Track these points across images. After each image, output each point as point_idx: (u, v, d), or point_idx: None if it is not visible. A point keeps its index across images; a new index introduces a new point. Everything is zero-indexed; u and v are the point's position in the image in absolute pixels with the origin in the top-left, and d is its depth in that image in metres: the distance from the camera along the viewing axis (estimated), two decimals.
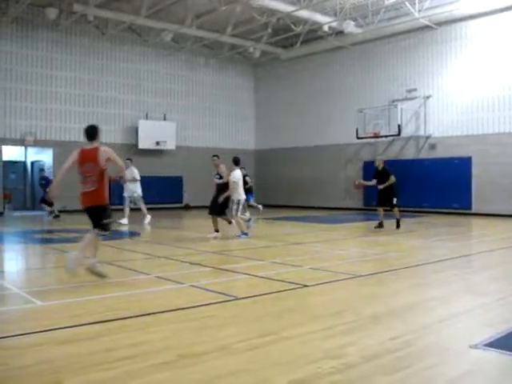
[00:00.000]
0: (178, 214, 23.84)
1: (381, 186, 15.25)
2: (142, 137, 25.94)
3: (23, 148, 25.38)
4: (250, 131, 31.22)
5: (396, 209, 15.35)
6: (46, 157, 24.92)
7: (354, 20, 23.45)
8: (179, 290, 7.15)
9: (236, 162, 13.51)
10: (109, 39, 25.21)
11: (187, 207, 27.44)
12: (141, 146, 25.85)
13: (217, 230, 13.44)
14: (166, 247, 11.88)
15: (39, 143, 23.71)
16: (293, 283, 7.32)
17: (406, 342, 4.71)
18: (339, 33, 24.72)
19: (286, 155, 29.04)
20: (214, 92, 29.32)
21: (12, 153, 25.01)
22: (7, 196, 23.11)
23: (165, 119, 27.05)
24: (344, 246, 12.01)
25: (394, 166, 23.94)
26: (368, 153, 25.26)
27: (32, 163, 26.81)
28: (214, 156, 14.19)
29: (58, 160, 23.74)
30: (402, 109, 22.97)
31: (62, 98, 24.19)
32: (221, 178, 13.71)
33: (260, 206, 21.91)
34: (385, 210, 15.58)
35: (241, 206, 13.37)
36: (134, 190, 17.84)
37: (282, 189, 28.91)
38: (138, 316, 5.66)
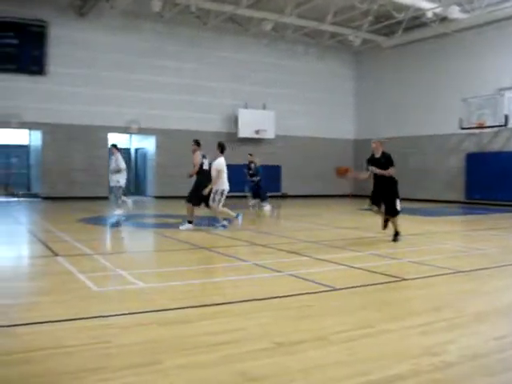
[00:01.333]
0: (275, 203, 23.95)
1: (377, 171, 10.95)
2: (242, 126, 26.30)
3: (128, 135, 26.34)
4: (350, 121, 30.87)
5: (396, 218, 10.93)
6: (149, 144, 25.82)
7: (459, 5, 22.56)
8: (277, 278, 7.22)
9: (221, 148, 12.34)
10: (210, 29, 25.62)
11: (284, 196, 27.57)
12: (240, 134, 26.22)
13: (190, 222, 12.54)
14: (263, 235, 12.00)
15: (143, 131, 24.57)
16: (391, 276, 7.21)
17: (511, 343, 4.55)
18: (443, 19, 23.86)
19: (386, 145, 28.40)
20: (313, 81, 29.19)
21: (118, 140, 26.06)
22: None
23: (264, 108, 27.25)
24: (445, 240, 11.66)
25: (499, 158, 23.08)
26: (472, 144, 24.34)
27: (136, 150, 27.85)
28: (193, 140, 13.04)
29: (161, 147, 24.62)
30: (509, 98, 21.93)
31: (165, 87, 24.92)
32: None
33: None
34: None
35: (224, 197, 12.12)
36: (116, 179, 16.09)
37: None
38: (237, 302, 5.77)
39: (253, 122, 26.47)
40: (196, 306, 5.53)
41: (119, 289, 6.52)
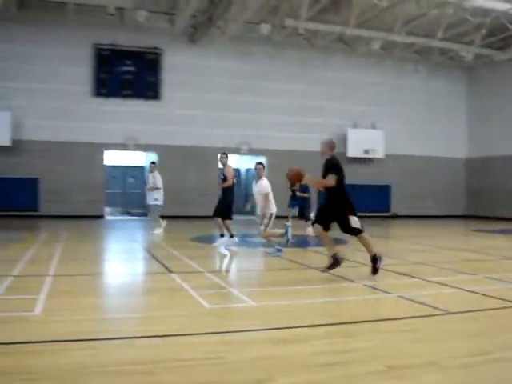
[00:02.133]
0: (385, 223, 23.59)
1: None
2: (351, 145, 26.17)
3: (238, 156, 26.85)
4: (462, 139, 29.79)
5: (361, 236, 8.53)
6: None
7: None
8: (387, 300, 7.12)
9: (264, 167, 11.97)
10: (318, 50, 25.79)
11: (394, 216, 27.02)
12: (349, 154, 26.08)
13: (222, 235, 12.82)
14: None
15: (253, 152, 25.03)
16: (509, 301, 6.89)
17: None
18: None
19: (503, 163, 27.22)
20: (422, 99, 28.49)
21: (229, 160, 26.68)
22: None
23: (373, 127, 26.97)
24: None
25: None
26: None
27: (247, 170, 28.36)
28: (222, 154, 13.22)
29: (271, 168, 24.92)
30: None
31: (274, 109, 25.30)
32: (225, 179, 12.83)
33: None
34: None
35: (271, 221, 11.41)
36: (154, 197, 16.16)
37: (499, 200, 27.07)
38: (347, 323, 5.76)
39: (362, 142, 26.28)
40: (306, 326, 5.56)
41: (230, 306, 6.68)
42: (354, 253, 12.16)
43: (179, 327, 5.47)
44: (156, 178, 16.30)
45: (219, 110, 24.44)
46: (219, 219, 12.82)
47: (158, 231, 16.10)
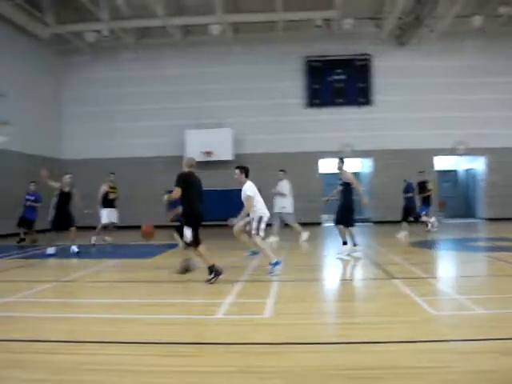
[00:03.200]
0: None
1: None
2: None
3: (455, 157, 25.76)
4: None
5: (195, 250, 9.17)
6: (479, 164, 24.95)
7: None
8: None
9: (246, 172, 10.77)
10: None
11: None
12: None
13: (345, 242, 12.11)
14: None
15: (471, 152, 23.86)
16: None
17: None
18: None
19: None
20: None
21: (444, 162, 25.79)
22: (442, 204, 23.90)
23: None
24: None
25: None
26: None
27: (466, 171, 27.11)
28: (338, 158, 12.28)
29: (490, 167, 23.60)
30: None
31: (492, 104, 23.71)
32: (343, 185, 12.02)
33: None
34: None
35: (263, 225, 10.01)
36: (281, 205, 15.75)
37: None
38: None
39: None
40: None
41: (457, 313, 6.47)
42: None
43: (405, 334, 5.47)
44: (283, 186, 15.99)
45: (432, 111, 23.71)
46: (341, 227, 12.23)
47: (304, 237, 15.85)
